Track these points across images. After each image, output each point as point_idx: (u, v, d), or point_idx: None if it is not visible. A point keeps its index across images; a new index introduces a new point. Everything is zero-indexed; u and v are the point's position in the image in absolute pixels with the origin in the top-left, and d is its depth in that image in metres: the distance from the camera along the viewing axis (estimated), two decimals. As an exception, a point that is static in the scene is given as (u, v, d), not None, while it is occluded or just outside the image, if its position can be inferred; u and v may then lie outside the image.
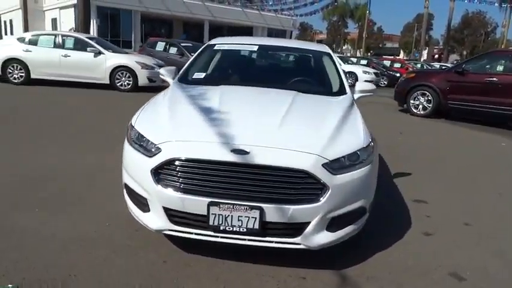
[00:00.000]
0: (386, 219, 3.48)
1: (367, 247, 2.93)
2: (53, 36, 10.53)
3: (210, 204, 2.32)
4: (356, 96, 3.72)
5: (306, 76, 4.00)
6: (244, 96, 3.27)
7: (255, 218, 2.31)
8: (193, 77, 3.72)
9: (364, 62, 21.93)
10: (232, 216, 2.32)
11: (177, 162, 2.37)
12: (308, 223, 2.38)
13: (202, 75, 3.79)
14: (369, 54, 57.93)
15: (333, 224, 2.46)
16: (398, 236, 3.16)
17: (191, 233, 2.43)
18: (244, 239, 2.39)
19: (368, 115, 3.40)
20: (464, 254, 2.98)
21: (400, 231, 3.25)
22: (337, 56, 21.57)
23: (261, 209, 2.30)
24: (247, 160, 2.31)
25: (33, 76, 10.34)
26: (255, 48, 4.09)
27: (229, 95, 3.21)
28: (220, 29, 36.77)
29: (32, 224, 2.94)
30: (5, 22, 37.68)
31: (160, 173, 2.40)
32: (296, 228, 2.39)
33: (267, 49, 4.25)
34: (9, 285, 2.22)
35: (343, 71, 3.99)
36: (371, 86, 3.82)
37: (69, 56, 10.24)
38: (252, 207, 2.29)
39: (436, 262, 2.82)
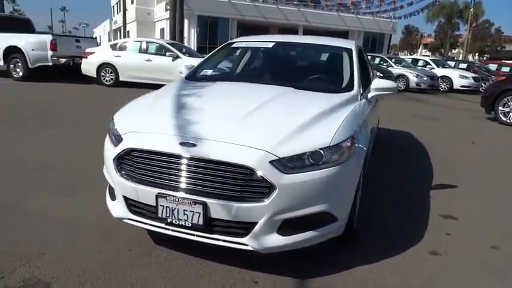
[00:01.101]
0: (392, 231, 3.10)
1: (348, 260, 2.65)
2: (139, 43, 11.57)
3: (158, 195, 2.32)
4: (371, 94, 3.40)
5: (312, 73, 3.78)
6: (230, 92, 3.20)
7: (199, 213, 2.24)
8: (201, 73, 3.76)
9: (463, 65, 19.77)
10: (178, 209, 2.28)
11: (133, 153, 2.41)
12: (256, 223, 2.23)
13: (209, 72, 3.82)
14: (483, 58, 52.10)
15: (285, 227, 2.27)
16: (395, 251, 2.79)
17: (146, 224, 2.45)
18: (193, 234, 2.34)
19: (448, 122, 3.07)
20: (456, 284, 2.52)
21: (402, 246, 2.87)
22: (432, 59, 19.83)
23: (205, 204, 2.22)
24: (191, 153, 2.26)
25: (121, 79, 11.46)
26: (270, 45, 3.99)
27: (216, 90, 3.19)
28: (315, 34, 36.55)
29: (38, 204, 3.25)
30: (126, 32, 42.62)
31: (121, 163, 2.48)
32: (244, 228, 2.26)
33: (283, 46, 4.11)
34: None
35: (367, 67, 3.69)
36: (390, 84, 3.45)
37: (151, 61, 11.14)
38: (195, 202, 2.23)
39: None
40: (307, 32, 34.18)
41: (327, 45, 3.95)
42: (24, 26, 12.90)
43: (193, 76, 3.71)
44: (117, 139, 2.55)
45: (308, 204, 2.26)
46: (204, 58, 4.11)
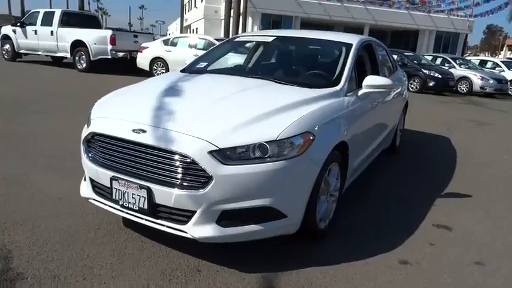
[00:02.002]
0: (372, 236, 2.95)
1: (304, 260, 2.57)
2: (188, 39, 11.99)
3: (112, 178, 2.43)
4: (362, 91, 3.24)
5: (302, 67, 3.68)
6: (207, 84, 3.23)
7: (144, 198, 2.31)
8: (196, 66, 3.83)
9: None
10: (128, 192, 2.38)
11: (96, 137, 2.55)
12: (195, 212, 2.25)
13: (203, 65, 3.87)
14: None
15: (225, 219, 2.26)
16: (362, 256, 2.65)
17: (105, 204, 2.58)
18: (141, 218, 2.42)
19: (501, 129, 2.94)
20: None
21: (373, 251, 2.71)
22: (503, 61, 17.99)
23: (149, 189, 2.29)
24: (139, 139, 2.33)
25: (171, 73, 11.97)
26: (270, 39, 3.94)
27: (196, 82, 3.24)
28: (383, 34, 35.18)
29: (39, 181, 3.54)
30: (193, 30, 44.35)
31: (89, 146, 2.63)
32: (185, 216, 2.29)
33: (282, 40, 4.03)
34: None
35: (375, 64, 3.56)
36: (383, 81, 3.25)
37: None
38: (141, 186, 2.31)
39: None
40: (374, 31, 33.00)
41: (326, 40, 3.81)
42: (91, 22, 13.95)
43: (189, 68, 3.80)
44: (88, 123, 2.70)
45: (249, 197, 2.23)
46: (207, 51, 4.19)
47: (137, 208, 2.37)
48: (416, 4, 32.70)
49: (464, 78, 14.98)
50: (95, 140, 2.56)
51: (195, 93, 2.96)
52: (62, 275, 2.26)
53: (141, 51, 12.31)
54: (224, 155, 2.21)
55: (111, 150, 2.47)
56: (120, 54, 12.28)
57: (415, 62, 15.02)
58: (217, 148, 2.20)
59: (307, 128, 2.42)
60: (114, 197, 2.45)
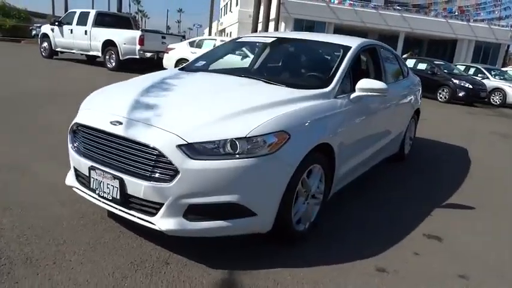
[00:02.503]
0: (354, 243, 2.87)
1: (276, 261, 2.54)
2: (213, 41, 12.14)
3: (90, 168, 2.50)
4: (354, 94, 3.17)
5: (295, 68, 3.65)
6: (196, 82, 3.25)
7: (117, 188, 2.36)
8: (195, 65, 3.88)
9: None
10: (103, 182, 2.44)
11: (79, 127, 2.64)
12: (163, 204, 2.28)
13: (202, 63, 3.91)
14: None
15: (192, 213, 2.27)
16: (338, 260, 2.59)
17: (85, 193, 2.65)
18: (115, 208, 2.46)
19: None
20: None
21: (351, 257, 2.64)
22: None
23: (121, 180, 2.34)
24: (114, 130, 2.39)
25: (195, 74, 12.16)
26: (269, 40, 3.93)
27: (186, 79, 3.28)
28: (419, 42, 34.32)
29: (40, 168, 3.68)
30: (227, 33, 44.98)
31: (74, 136, 2.71)
32: (154, 208, 2.32)
33: (281, 42, 4.01)
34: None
35: (378, 68, 3.54)
36: (377, 85, 3.16)
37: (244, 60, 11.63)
38: (114, 177, 2.36)
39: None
40: (410, 39, 32.25)
41: (326, 42, 3.75)
42: (124, 22, 14.41)
43: (188, 66, 3.85)
44: (77, 114, 2.79)
45: (216, 192, 2.23)
46: (208, 50, 4.24)
47: (111, 198, 2.42)
48: (453, 13, 31.69)
49: (498, 89, 14.34)
50: (78, 131, 2.65)
51: (179, 89, 2.99)
52: (34, 258, 2.33)
53: (167, 52, 12.58)
54: (193, 150, 2.22)
55: (91, 141, 2.54)
56: (148, 54, 12.61)
57: (446, 71, 14.52)
58: (186, 142, 2.22)
59: (282, 127, 2.40)
60: (91, 186, 2.52)
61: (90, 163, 2.50)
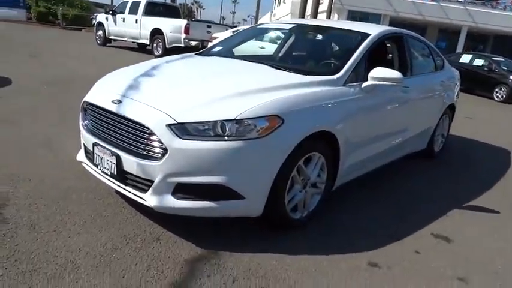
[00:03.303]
0: (353, 236, 2.80)
1: (266, 246, 2.54)
2: (256, 31, 12.16)
3: (93, 144, 2.63)
4: (367, 83, 3.06)
5: (309, 54, 3.57)
6: (203, 64, 3.29)
7: (114, 164, 2.47)
8: (212, 50, 3.92)
9: None
10: (103, 158, 2.56)
11: (87, 105, 2.78)
12: (153, 182, 2.35)
13: (219, 48, 3.94)
14: None
15: (179, 191, 2.33)
16: (328, 251, 2.54)
17: (92, 168, 2.80)
18: (114, 183, 2.58)
19: None
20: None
21: (345, 250, 2.59)
22: None
23: (118, 156, 2.44)
24: (113, 108, 2.49)
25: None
26: (288, 27, 3.87)
27: (196, 62, 3.34)
28: (483, 37, 32.14)
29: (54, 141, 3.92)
30: (279, 26, 44.97)
31: (84, 113, 2.86)
32: (146, 185, 2.40)
33: (300, 28, 3.92)
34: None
35: (403, 56, 3.48)
36: (391, 74, 3.02)
37: (264, 48, 11.58)
38: (112, 153, 2.47)
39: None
40: (473, 34, 30.29)
41: (345, 29, 3.63)
42: (173, 12, 14.83)
43: (205, 51, 3.92)
44: (89, 93, 2.94)
45: (203, 172, 2.27)
46: (230, 36, 4.26)
47: (109, 173, 2.53)
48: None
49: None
50: (87, 109, 2.79)
51: (183, 71, 3.05)
52: (38, 225, 2.51)
53: (211, 41, 12.76)
54: (182, 130, 2.27)
55: (96, 119, 2.67)
56: (193, 43, 12.88)
57: (505, 68, 13.51)
58: (176, 122, 2.27)
59: (275, 111, 2.38)
60: (95, 161, 2.66)
61: (94, 140, 2.63)
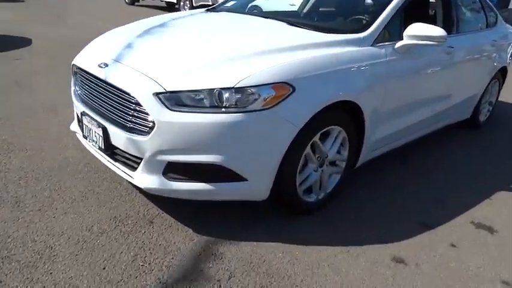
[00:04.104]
0: (381, 223, 2.42)
1: (269, 233, 2.21)
2: None
3: (81, 113, 2.34)
4: (401, 43, 2.55)
5: (335, 10, 3.07)
6: (209, 22, 2.85)
7: (101, 137, 2.17)
8: (224, 5, 3.49)
9: None
10: (92, 130, 2.26)
11: (76, 69, 2.46)
12: (142, 159, 2.04)
13: (231, 3, 3.48)
14: None
15: (171, 171, 2.00)
16: (347, 242, 2.19)
17: (83, 139, 2.52)
18: (104, 157, 2.29)
19: None
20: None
21: (366, 241, 2.23)
22: None
23: (105, 129, 2.13)
24: (97, 73, 2.16)
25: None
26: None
27: (200, 19, 2.90)
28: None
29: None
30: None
31: (75, 78, 2.56)
32: (136, 162, 2.09)
33: None
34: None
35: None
36: (433, 31, 2.49)
37: (294, 5, 10.87)
38: (99, 125, 2.17)
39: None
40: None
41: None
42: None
43: (217, 6, 3.48)
44: (80, 56, 2.62)
45: (197, 150, 1.92)
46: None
47: (98, 147, 2.24)
48: None
49: None
50: (77, 73, 2.47)
51: (185, 30, 2.65)
52: (23, 202, 2.29)
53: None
54: (172, 99, 1.91)
55: (84, 84, 2.36)
56: (220, 0, 12.27)
57: None
58: (164, 90, 1.91)
59: (284, 77, 1.97)
60: (84, 132, 2.37)
61: (82, 108, 2.33)
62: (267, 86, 1.92)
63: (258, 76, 1.92)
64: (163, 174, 2.01)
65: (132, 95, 1.95)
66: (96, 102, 2.22)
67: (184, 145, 1.92)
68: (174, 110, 1.89)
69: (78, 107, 2.39)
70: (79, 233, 2.08)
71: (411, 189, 2.85)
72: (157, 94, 1.91)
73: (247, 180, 2.01)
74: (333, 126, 2.26)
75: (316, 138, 2.19)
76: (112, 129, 2.10)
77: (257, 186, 2.06)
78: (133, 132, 2.01)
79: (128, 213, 2.27)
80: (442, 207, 2.66)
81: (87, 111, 2.28)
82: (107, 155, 2.21)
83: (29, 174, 2.58)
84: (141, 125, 1.98)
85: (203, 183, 2.00)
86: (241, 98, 1.89)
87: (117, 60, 2.16)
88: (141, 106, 1.93)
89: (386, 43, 2.54)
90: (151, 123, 1.93)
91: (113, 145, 2.14)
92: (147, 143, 1.96)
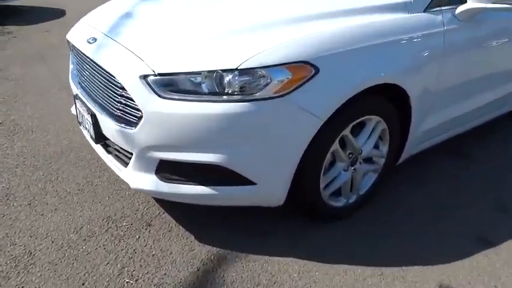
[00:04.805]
0: (423, 235, 1.97)
1: (295, 248, 1.84)
2: None
3: (74, 96, 2.04)
4: (463, 7, 1.99)
5: None
6: None
7: (92, 125, 1.85)
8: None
9: None
10: (84, 116, 1.95)
11: (71, 44, 2.15)
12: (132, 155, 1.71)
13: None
14: None
15: (165, 171, 1.66)
16: (374, 259, 1.77)
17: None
18: (99, 149, 2.00)
19: None
20: None
21: (400, 259, 1.80)
22: None
23: (94, 116, 1.82)
24: (84, 49, 1.83)
25: None
26: None
27: None
28: None
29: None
30: None
31: (72, 55, 2.25)
32: (127, 157, 1.77)
33: None
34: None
35: None
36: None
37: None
38: (88, 110, 1.86)
39: None
40: None
41: None
42: None
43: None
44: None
45: (193, 148, 1.56)
46: None
47: (90, 136, 1.94)
48: None
49: None
50: (72, 49, 2.16)
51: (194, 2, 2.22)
52: (14, 195, 2.07)
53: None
54: (162, 84, 1.54)
55: (77, 62, 2.05)
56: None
57: None
58: (152, 72, 1.54)
59: (304, 55, 1.53)
60: (78, 118, 2.07)
61: (76, 90, 2.03)
62: (281, 66, 1.49)
63: (269, 54, 1.49)
64: (156, 173, 1.67)
65: (116, 77, 1.60)
66: (88, 85, 1.92)
67: (177, 141, 1.56)
68: (165, 98, 1.52)
69: (73, 89, 2.10)
70: (65, 235, 1.81)
71: (463, 191, 2.33)
72: (144, 77, 1.54)
73: (256, 184, 1.63)
74: (369, 116, 1.80)
75: (347, 131, 1.75)
76: (101, 118, 1.78)
77: (268, 191, 1.68)
78: (121, 122, 1.67)
79: (124, 213, 1.97)
80: (507, 217, 2.14)
81: (80, 94, 1.98)
82: (101, 146, 1.91)
83: (27, 160, 2.36)
84: (129, 114, 1.64)
85: (203, 187, 1.64)
86: (247, 82, 1.48)
87: (107, 34, 1.82)
88: (126, 91, 1.58)
89: (444, 8, 1.99)
90: (140, 113, 1.58)
91: (103, 135, 1.82)
92: (135, 136, 1.62)
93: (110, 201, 2.05)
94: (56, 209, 1.97)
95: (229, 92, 1.49)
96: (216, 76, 1.49)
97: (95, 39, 1.82)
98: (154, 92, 1.53)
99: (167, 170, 1.65)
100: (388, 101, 1.85)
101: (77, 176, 2.24)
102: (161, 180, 1.67)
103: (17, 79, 3.61)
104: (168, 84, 1.53)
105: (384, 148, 1.99)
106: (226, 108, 1.48)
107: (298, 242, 1.84)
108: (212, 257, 1.74)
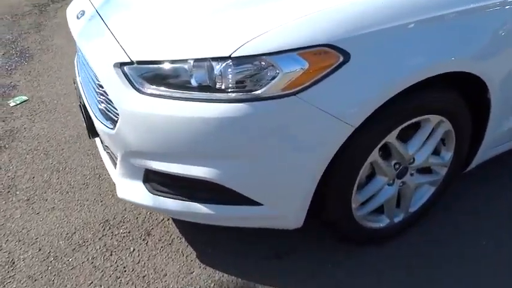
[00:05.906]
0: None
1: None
2: None
3: (74, 80, 1.78)
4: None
5: None
6: None
7: (85, 117, 1.59)
8: None
9: None
10: (80, 104, 1.69)
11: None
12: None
13: None
14: None
15: (153, 181, 1.34)
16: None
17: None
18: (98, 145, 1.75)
19: None
20: None
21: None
22: None
23: (85, 108, 1.55)
24: (72, 26, 1.54)
25: None
26: None
27: None
28: None
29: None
30: None
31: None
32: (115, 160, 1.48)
33: None
34: None
35: None
36: None
37: None
38: (80, 100, 1.60)
39: None
40: None
41: None
42: None
43: None
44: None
45: (178, 158, 1.22)
46: None
47: (85, 127, 1.67)
48: None
49: None
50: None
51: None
52: (16, 187, 1.91)
53: None
54: (141, 76, 1.19)
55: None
56: None
57: None
58: (129, 60, 1.19)
59: (326, 36, 1.08)
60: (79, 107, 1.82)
61: (76, 74, 1.77)
62: (292, 52, 1.06)
63: (274, 36, 1.07)
64: (144, 182, 1.36)
65: (89, 64, 1.28)
66: (80, 68, 1.63)
67: (160, 148, 1.22)
68: (145, 94, 1.18)
69: (75, 72, 1.84)
70: (54, 242, 1.60)
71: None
72: (120, 65, 1.20)
73: (262, 204, 1.25)
74: (426, 116, 1.32)
75: (392, 138, 1.28)
76: (90, 110, 1.50)
77: (279, 212, 1.30)
78: (107, 119, 1.37)
79: (124, 216, 1.72)
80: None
81: (76, 78, 1.71)
82: (100, 143, 1.66)
83: (41, 145, 2.18)
84: (111, 109, 1.33)
85: (197, 204, 1.30)
86: (246, 75, 1.08)
87: (98, 9, 1.49)
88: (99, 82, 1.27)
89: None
90: (116, 110, 1.26)
91: (96, 131, 1.54)
92: (115, 138, 1.31)
93: (112, 201, 1.81)
94: (53, 208, 1.77)
95: (223, 87, 1.10)
96: (205, 67, 1.11)
97: (83, 14, 1.51)
98: (132, 85, 1.19)
99: (156, 180, 1.33)
100: (457, 95, 1.34)
101: (86, 166, 2.03)
102: (151, 191, 1.35)
103: (56, 50, 3.47)
104: (149, 77, 1.18)
105: (447, 155, 1.50)
106: (219, 110, 1.10)
107: (319, 270, 1.46)
108: (211, 281, 1.43)
